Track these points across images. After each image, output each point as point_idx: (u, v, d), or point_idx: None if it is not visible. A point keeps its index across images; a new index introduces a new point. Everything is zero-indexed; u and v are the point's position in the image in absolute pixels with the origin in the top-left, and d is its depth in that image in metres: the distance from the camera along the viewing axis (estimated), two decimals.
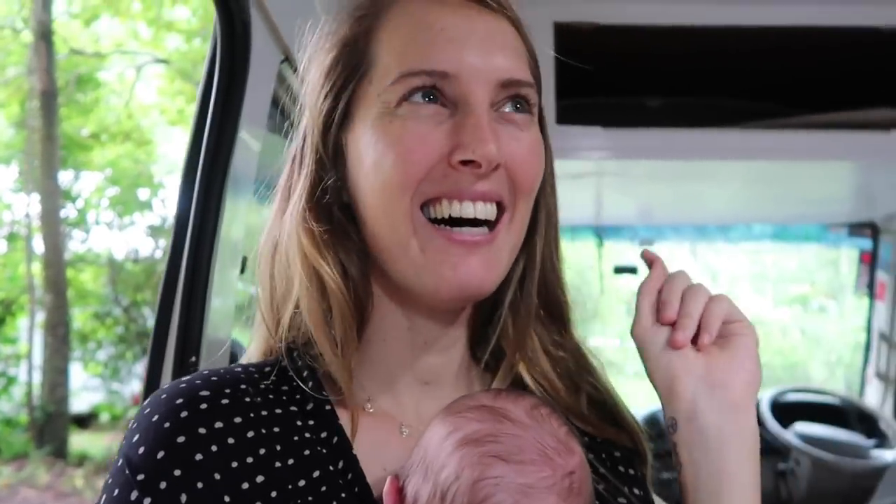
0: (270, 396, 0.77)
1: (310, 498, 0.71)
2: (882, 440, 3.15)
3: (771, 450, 3.12)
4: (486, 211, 0.75)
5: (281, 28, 1.14)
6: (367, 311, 0.81)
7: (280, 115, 0.84)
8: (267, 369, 0.79)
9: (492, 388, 0.77)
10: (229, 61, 1.03)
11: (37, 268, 9.50)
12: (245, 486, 0.70)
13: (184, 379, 0.77)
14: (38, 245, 9.51)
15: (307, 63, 0.81)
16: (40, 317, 9.47)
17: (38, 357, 9.42)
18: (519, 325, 0.84)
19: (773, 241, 4.09)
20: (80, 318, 10.23)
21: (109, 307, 10.26)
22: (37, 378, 9.41)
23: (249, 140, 1.11)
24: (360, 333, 0.81)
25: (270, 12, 1.09)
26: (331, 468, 0.74)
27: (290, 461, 0.73)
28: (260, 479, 0.70)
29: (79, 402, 9.91)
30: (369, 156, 0.76)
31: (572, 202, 2.72)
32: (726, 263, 8.21)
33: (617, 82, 2.13)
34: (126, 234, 10.63)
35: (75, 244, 10.48)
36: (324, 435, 0.76)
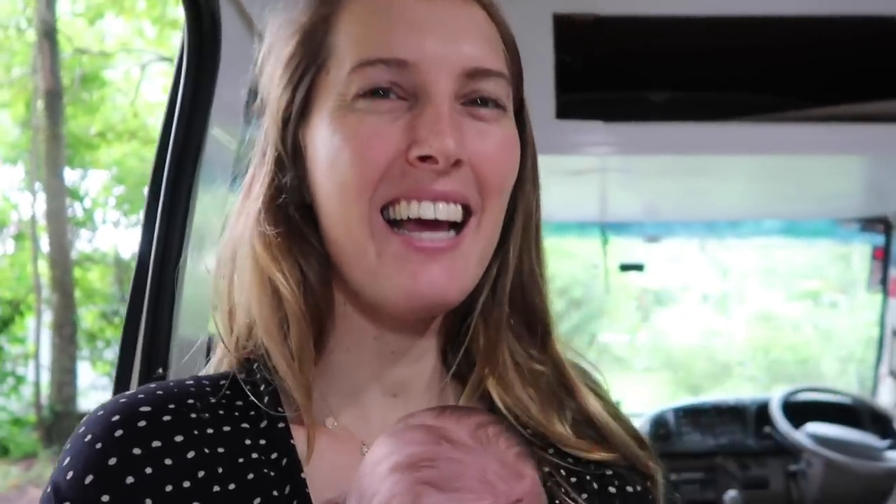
0: (220, 412, 0.71)
1: None
2: None
3: (782, 451, 3.06)
4: (448, 212, 0.69)
5: (255, 18, 1.07)
6: (330, 319, 0.75)
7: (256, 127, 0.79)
8: (222, 382, 0.73)
9: (438, 406, 0.70)
10: (197, 53, 0.98)
11: (43, 267, 9.51)
12: None
13: (126, 393, 0.72)
14: (45, 245, 9.52)
15: (266, 53, 0.76)
16: (48, 316, 9.49)
17: (45, 357, 9.45)
18: (489, 335, 0.77)
19: (783, 237, 4.01)
20: (87, 317, 10.23)
21: (116, 306, 10.27)
22: (45, 378, 9.42)
23: (222, 136, 1.05)
24: (323, 343, 0.75)
25: (242, 1, 1.03)
26: (275, 493, 0.67)
27: (231, 486, 0.67)
28: None
29: (87, 402, 9.91)
30: (325, 153, 0.70)
31: (576, 199, 2.66)
32: (736, 259, 8.14)
33: (620, 76, 2.08)
34: (133, 232, 10.63)
35: (82, 243, 10.49)
36: (274, 456, 0.70)
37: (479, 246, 0.71)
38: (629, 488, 0.80)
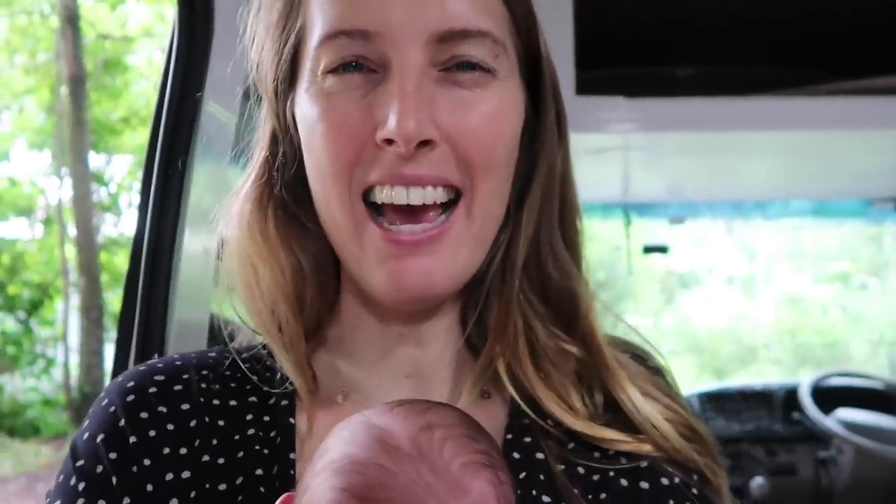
0: (232, 385, 0.71)
1: None
2: None
3: (811, 437, 3.00)
4: (424, 196, 0.64)
5: None
6: (338, 295, 0.73)
7: (257, 103, 0.76)
8: (244, 356, 0.73)
9: (395, 400, 0.64)
10: (188, 21, 0.93)
11: (70, 252, 9.63)
12: (169, 476, 0.64)
13: (148, 362, 0.74)
14: (72, 229, 9.63)
15: (255, 18, 0.72)
16: (75, 300, 9.63)
17: (74, 339, 9.60)
18: (500, 309, 0.72)
19: (812, 218, 3.92)
20: (114, 300, 10.37)
21: None
22: (73, 360, 9.58)
23: (218, 110, 1.01)
24: (334, 318, 0.74)
25: None
26: (259, 472, 0.66)
27: (221, 460, 0.66)
28: (186, 474, 0.64)
29: None
30: (304, 132, 0.67)
31: (598, 179, 2.59)
32: (764, 241, 8.00)
33: (644, 51, 2.00)
34: None
35: (108, 228, 10.61)
36: (272, 434, 0.68)
37: (472, 230, 0.66)
38: (665, 481, 0.70)
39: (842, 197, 3.48)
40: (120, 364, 1.04)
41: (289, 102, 0.70)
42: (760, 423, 3.12)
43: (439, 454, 0.57)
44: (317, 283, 0.72)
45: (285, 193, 0.71)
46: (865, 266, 8.08)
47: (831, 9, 1.81)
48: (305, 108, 0.66)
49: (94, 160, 10.09)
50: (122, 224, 10.72)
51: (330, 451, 0.58)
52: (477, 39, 0.64)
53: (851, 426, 2.90)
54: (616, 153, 2.20)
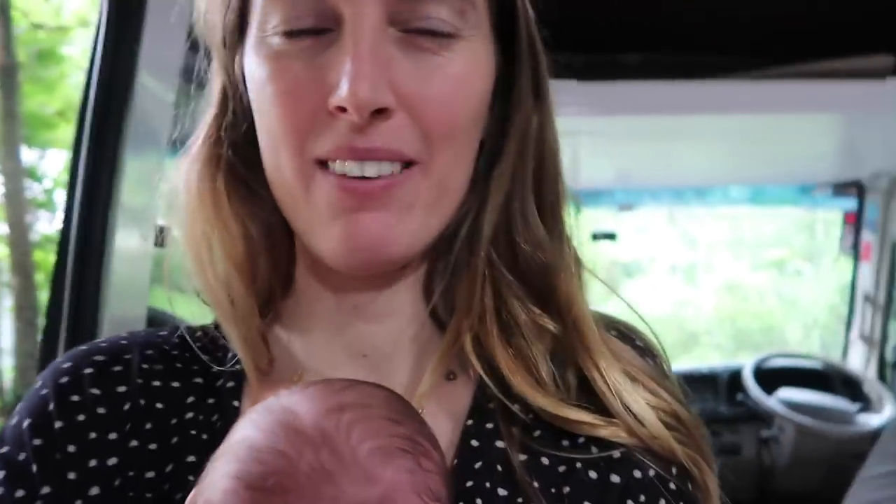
0: (178, 365, 0.66)
1: (148, 495, 0.59)
2: (866, 404, 3.10)
3: (754, 417, 3.07)
4: (379, 169, 0.58)
5: None
6: (289, 266, 0.68)
7: (206, 59, 0.69)
8: (198, 333, 0.68)
9: (307, 380, 0.59)
10: None
11: (3, 250, 9.28)
12: (93, 463, 0.60)
13: (92, 342, 0.68)
14: (3, 227, 9.29)
15: None
16: (7, 300, 9.28)
17: (7, 341, 9.26)
18: (468, 283, 0.65)
19: (750, 205, 4.02)
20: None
21: None
22: (7, 362, 9.24)
23: (156, 86, 0.96)
24: (289, 292, 0.68)
25: None
26: (191, 459, 0.61)
27: (153, 446, 0.61)
28: (112, 460, 0.60)
29: None
30: (253, 94, 0.61)
31: None
32: (704, 230, 8.19)
33: (590, 36, 2.01)
34: None
35: (42, 225, 10.26)
36: (214, 417, 0.63)
37: (427, 193, 0.60)
38: (638, 473, 0.62)
39: (782, 182, 3.58)
40: (46, 364, 0.99)
41: (237, 57, 0.63)
42: (706, 405, 3.19)
43: (346, 438, 0.51)
44: (269, 252, 0.66)
45: (234, 156, 0.65)
46: (800, 252, 8.33)
47: None
48: (254, 67, 0.60)
49: (28, 155, 9.73)
50: (56, 221, 10.39)
51: (233, 435, 0.54)
52: None
53: (792, 405, 2.99)
54: (566, 138, 2.21)
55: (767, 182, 3.57)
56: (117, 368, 0.64)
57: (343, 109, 0.55)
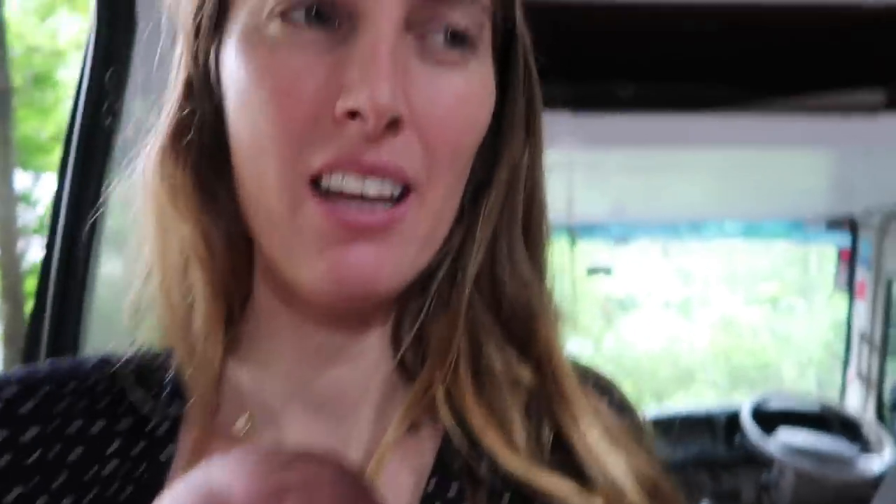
0: (103, 403, 0.57)
1: None
2: (865, 445, 3.05)
3: (754, 460, 3.01)
4: (379, 187, 0.51)
5: None
6: (247, 294, 0.60)
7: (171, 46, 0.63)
8: (133, 363, 0.59)
9: (258, 446, 0.50)
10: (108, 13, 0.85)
11: None
12: None
13: (8, 371, 0.59)
14: None
15: None
16: None
17: None
18: (444, 328, 0.59)
19: (743, 238, 4.01)
20: None
21: None
22: None
23: (145, 110, 0.94)
24: (239, 322, 0.60)
25: None
26: None
27: (66, 501, 0.53)
28: None
29: None
30: (235, 90, 0.52)
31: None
32: (699, 263, 8.19)
33: (583, 66, 2.00)
34: None
35: (35, 252, 10.21)
36: (141, 468, 0.55)
37: (423, 225, 0.53)
38: None
39: (775, 217, 3.57)
40: None
41: (213, 48, 0.55)
42: (704, 448, 3.13)
43: None
44: (230, 267, 0.58)
45: (194, 159, 0.57)
46: (793, 288, 8.32)
47: (771, 26, 1.84)
48: (239, 61, 0.52)
49: (22, 180, 9.72)
50: None
51: None
52: (466, 4, 0.51)
53: (791, 449, 2.92)
54: (560, 171, 2.19)
55: (760, 218, 3.55)
56: (29, 406, 0.56)
57: (354, 115, 0.48)
